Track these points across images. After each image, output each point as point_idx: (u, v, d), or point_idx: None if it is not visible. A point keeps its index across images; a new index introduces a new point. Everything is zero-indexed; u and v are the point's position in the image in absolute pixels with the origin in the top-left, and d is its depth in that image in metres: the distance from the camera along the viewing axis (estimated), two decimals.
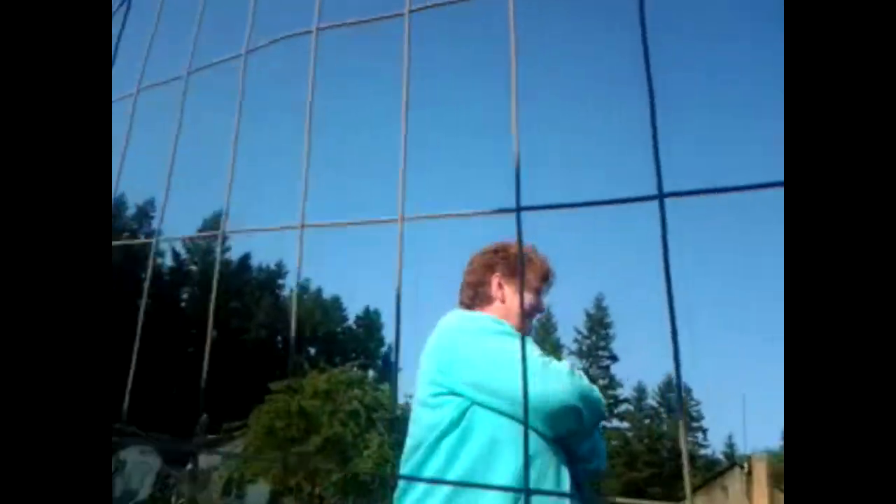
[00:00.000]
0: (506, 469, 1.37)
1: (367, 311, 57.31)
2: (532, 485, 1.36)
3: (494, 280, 1.73)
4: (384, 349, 54.31)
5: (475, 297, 1.74)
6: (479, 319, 1.63)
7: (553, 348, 49.24)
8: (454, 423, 1.44)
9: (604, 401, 1.57)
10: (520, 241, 0.47)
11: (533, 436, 1.41)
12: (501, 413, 1.42)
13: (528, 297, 1.73)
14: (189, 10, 0.73)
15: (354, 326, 56.55)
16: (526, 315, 1.71)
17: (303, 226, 0.51)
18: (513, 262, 1.72)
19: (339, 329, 55.13)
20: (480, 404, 1.44)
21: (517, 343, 1.48)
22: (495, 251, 1.78)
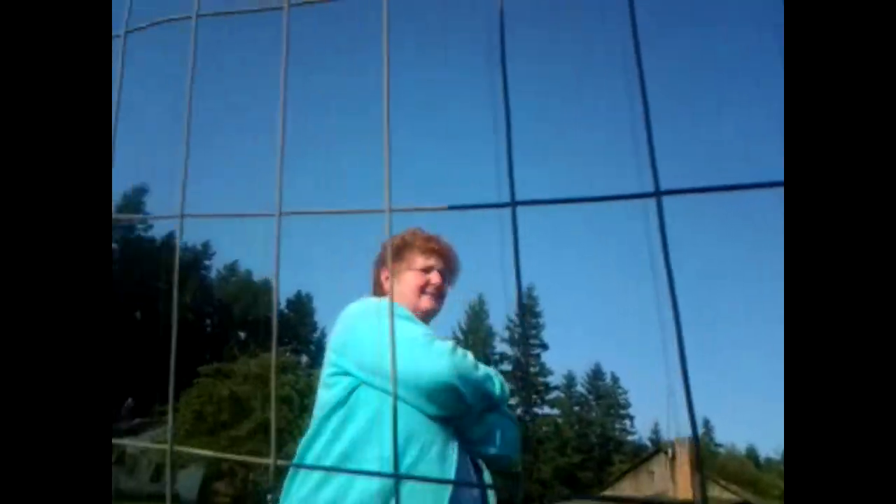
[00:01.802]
0: (382, 449, 1.39)
1: (298, 295, 56.57)
2: (411, 465, 1.37)
3: (382, 275, 1.84)
4: (316, 334, 53.84)
5: (375, 293, 1.87)
6: (375, 303, 1.64)
7: (485, 335, 50.02)
8: (341, 403, 1.49)
9: (496, 383, 1.54)
10: (515, 237, 0.43)
11: (414, 414, 1.42)
12: (384, 392, 1.45)
13: (413, 278, 1.75)
14: None
15: (286, 311, 55.69)
16: (416, 295, 1.73)
17: (280, 213, 0.47)
18: (394, 251, 1.79)
19: (269, 313, 54.12)
20: (367, 383, 1.47)
21: (405, 324, 1.53)
22: (383, 246, 1.83)
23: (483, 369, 1.51)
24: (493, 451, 1.51)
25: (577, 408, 49.57)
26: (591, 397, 52.87)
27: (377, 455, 1.38)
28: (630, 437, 53.28)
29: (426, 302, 1.74)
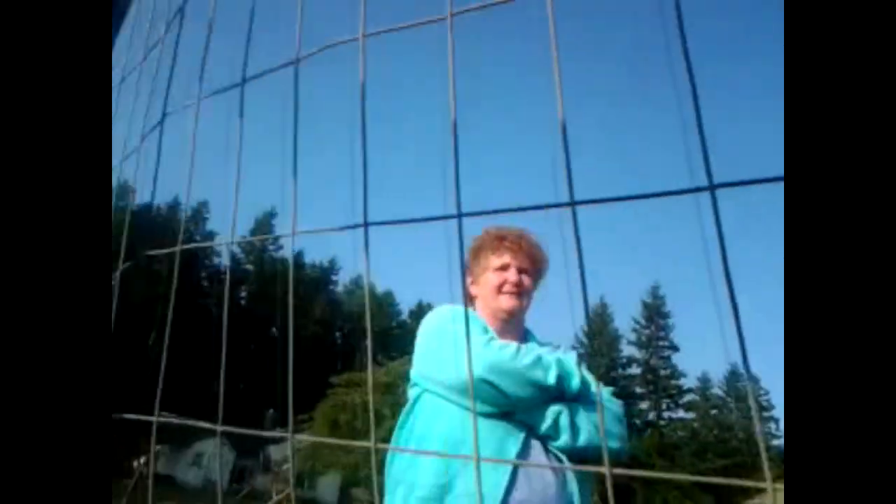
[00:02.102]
0: (435, 448, 1.42)
1: (419, 304, 57.78)
2: (461, 466, 1.37)
3: (468, 281, 1.79)
4: None
5: (466, 299, 1.82)
6: (440, 312, 1.66)
7: (610, 339, 48.54)
8: (409, 411, 1.55)
9: (550, 371, 1.44)
10: (577, 236, 0.45)
11: (467, 416, 1.41)
12: (440, 397, 1.48)
13: (490, 279, 1.70)
14: (238, 18, 0.75)
15: (409, 320, 57.06)
16: (495, 296, 1.68)
17: (366, 224, 0.52)
18: (471, 254, 1.76)
19: (393, 323, 55.80)
20: (429, 391, 1.52)
21: (449, 327, 1.55)
22: (468, 251, 1.79)
23: (530, 358, 1.44)
24: (562, 442, 1.42)
25: (714, 411, 46.83)
26: (729, 399, 49.80)
27: (430, 463, 1.41)
28: (776, 442, 49.61)
29: (506, 301, 1.68)
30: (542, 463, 1.40)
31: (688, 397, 47.54)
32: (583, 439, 1.42)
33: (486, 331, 1.52)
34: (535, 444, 1.43)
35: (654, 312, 48.62)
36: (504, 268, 1.70)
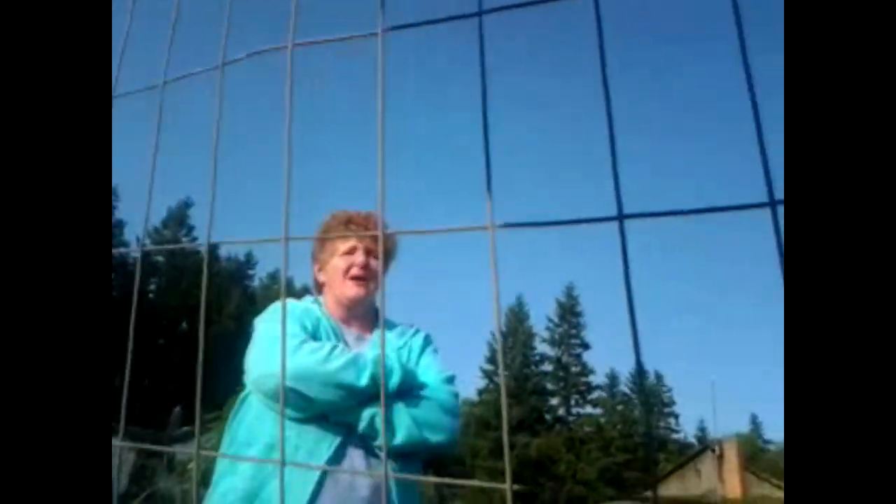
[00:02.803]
0: (256, 452, 1.42)
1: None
2: (273, 469, 1.37)
3: (315, 268, 1.77)
4: None
5: (316, 290, 1.80)
6: (269, 310, 1.63)
7: (525, 337, 49.65)
8: (234, 413, 1.55)
9: (361, 372, 1.39)
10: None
11: (275, 421, 1.43)
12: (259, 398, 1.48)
13: (337, 264, 1.67)
14: (163, 15, 0.73)
15: None
16: (341, 282, 1.65)
17: (286, 238, 0.52)
18: (319, 243, 1.72)
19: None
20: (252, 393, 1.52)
21: (270, 327, 1.52)
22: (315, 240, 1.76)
23: (342, 360, 1.40)
24: (380, 442, 1.38)
25: (620, 407, 48.76)
26: (634, 396, 52.02)
27: (244, 468, 1.40)
28: (675, 436, 52.28)
29: (351, 287, 1.64)
30: (357, 465, 1.38)
31: (596, 394, 49.28)
32: (400, 437, 1.39)
33: (301, 332, 1.48)
34: (353, 447, 1.41)
35: (568, 311, 50.07)
36: (351, 251, 1.66)
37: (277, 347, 1.44)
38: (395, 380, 1.43)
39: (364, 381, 1.38)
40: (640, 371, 0.47)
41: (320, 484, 1.34)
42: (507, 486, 0.43)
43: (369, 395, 1.40)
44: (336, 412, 1.40)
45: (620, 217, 0.44)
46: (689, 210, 0.44)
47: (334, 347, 1.44)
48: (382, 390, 0.50)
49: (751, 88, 0.45)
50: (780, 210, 0.44)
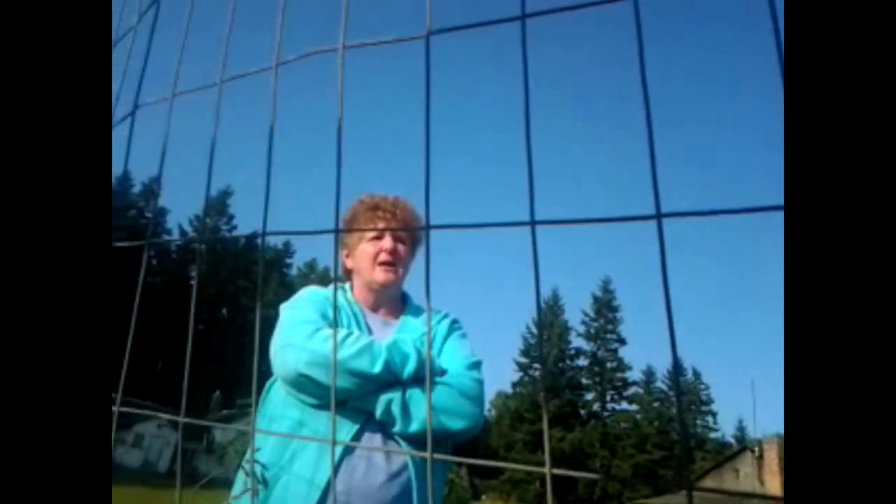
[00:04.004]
0: (284, 429, 1.43)
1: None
2: (293, 454, 1.38)
3: (343, 254, 1.76)
4: None
5: (345, 276, 1.79)
6: (295, 297, 1.63)
7: (560, 331, 49.36)
8: (265, 394, 1.55)
9: (375, 359, 1.39)
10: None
11: (297, 405, 1.43)
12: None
13: (365, 249, 1.66)
14: (219, 16, 0.77)
15: None
16: (370, 267, 1.64)
17: (337, 230, 0.54)
18: (345, 226, 1.71)
19: None
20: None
21: (291, 314, 1.51)
22: (341, 222, 1.74)
23: (355, 347, 1.40)
24: (398, 429, 1.39)
25: (656, 404, 48.17)
26: (671, 393, 51.30)
27: (273, 444, 1.41)
28: (713, 434, 51.41)
29: (380, 273, 1.63)
30: (375, 452, 1.40)
31: (632, 390, 48.77)
32: (417, 424, 1.38)
33: (319, 319, 1.48)
34: (371, 433, 1.41)
35: (604, 306, 49.60)
36: (379, 236, 1.65)
37: (295, 333, 1.44)
38: (410, 367, 1.42)
39: (378, 368, 1.38)
40: (675, 367, 0.47)
41: (336, 469, 1.34)
42: (546, 470, 0.44)
43: (386, 382, 1.40)
44: (353, 399, 1.40)
45: (659, 216, 0.44)
46: (724, 210, 0.44)
47: (349, 335, 1.44)
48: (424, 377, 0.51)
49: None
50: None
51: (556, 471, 0.44)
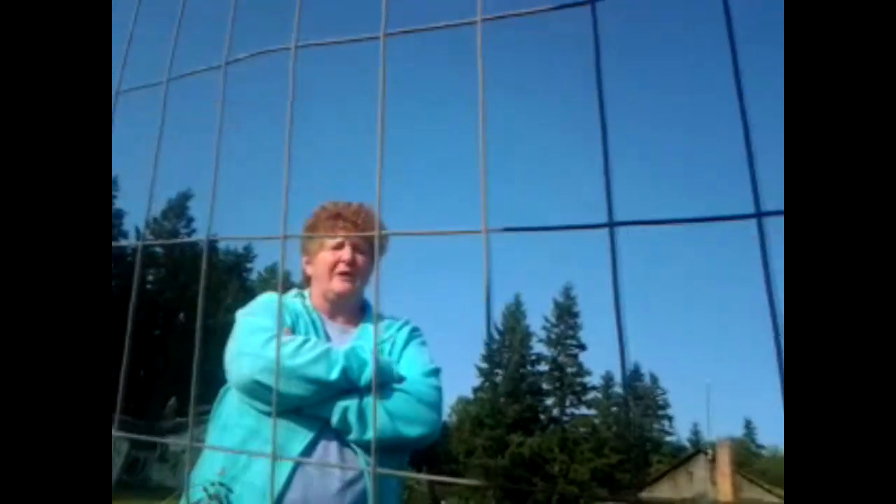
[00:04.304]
0: (230, 445, 1.43)
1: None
2: (245, 463, 1.38)
3: (303, 260, 1.76)
4: None
5: (303, 283, 1.79)
6: (251, 303, 1.62)
7: (522, 336, 49.72)
8: (218, 402, 1.55)
9: (332, 366, 1.39)
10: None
11: (252, 413, 1.42)
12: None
13: (325, 258, 1.66)
14: (169, 13, 0.74)
15: None
16: (328, 276, 1.64)
17: (284, 237, 0.53)
18: (305, 230, 1.71)
19: None
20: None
21: (247, 321, 1.51)
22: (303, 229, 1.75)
23: (312, 354, 1.39)
24: (354, 436, 1.38)
25: (614, 408, 48.85)
26: (629, 398, 52.13)
27: (220, 455, 1.41)
28: (669, 438, 52.41)
29: (337, 283, 1.63)
30: (331, 460, 1.38)
31: (591, 394, 49.35)
32: (372, 431, 1.38)
33: (275, 325, 1.47)
34: (327, 440, 1.41)
35: (565, 312, 50.13)
36: (339, 246, 1.65)
37: (251, 340, 1.43)
38: (368, 373, 1.41)
39: (335, 375, 1.38)
40: (624, 372, 0.48)
41: (290, 478, 1.34)
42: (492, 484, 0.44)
43: (342, 390, 1.40)
44: (309, 406, 1.39)
45: (611, 224, 0.45)
46: (677, 220, 0.45)
47: (305, 342, 1.43)
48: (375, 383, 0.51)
49: (741, 97, 0.45)
50: (769, 221, 0.44)
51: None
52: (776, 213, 0.42)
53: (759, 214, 0.42)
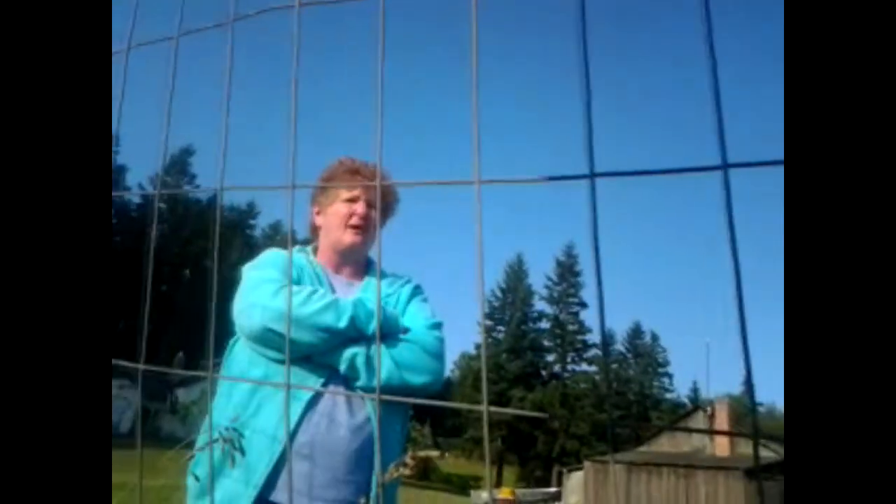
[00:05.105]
0: (245, 391, 1.47)
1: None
2: (257, 407, 1.42)
3: (314, 210, 1.77)
4: None
5: (311, 233, 1.81)
6: (259, 257, 1.65)
7: (524, 294, 49.97)
8: (228, 351, 1.58)
9: (341, 314, 1.42)
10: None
11: (262, 362, 1.47)
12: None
13: (338, 210, 1.68)
14: None
15: None
16: (341, 228, 1.66)
17: (294, 186, 0.55)
18: (321, 183, 1.74)
19: None
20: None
21: (255, 273, 1.54)
22: (317, 180, 1.77)
23: (321, 303, 1.43)
24: (361, 382, 1.43)
25: (615, 365, 49.42)
26: (629, 356, 52.67)
27: (238, 400, 1.45)
28: (669, 395, 53.11)
29: (349, 236, 1.65)
30: (339, 405, 1.43)
31: (592, 352, 49.85)
32: (381, 377, 1.42)
33: (283, 277, 1.50)
34: (336, 386, 1.45)
35: (567, 270, 50.26)
36: (353, 200, 1.67)
37: (259, 291, 1.46)
38: (375, 322, 1.43)
39: (343, 322, 1.41)
40: (603, 329, 0.51)
41: (299, 423, 1.39)
42: (483, 408, 0.47)
43: (350, 338, 1.43)
44: (318, 354, 1.43)
45: (592, 175, 0.46)
46: (656, 170, 0.46)
47: (314, 291, 1.46)
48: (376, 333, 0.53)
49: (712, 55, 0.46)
50: (732, 174, 0.44)
51: (492, 408, 0.47)
52: (742, 164, 0.42)
53: (726, 166, 0.42)
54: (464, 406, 0.45)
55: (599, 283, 0.49)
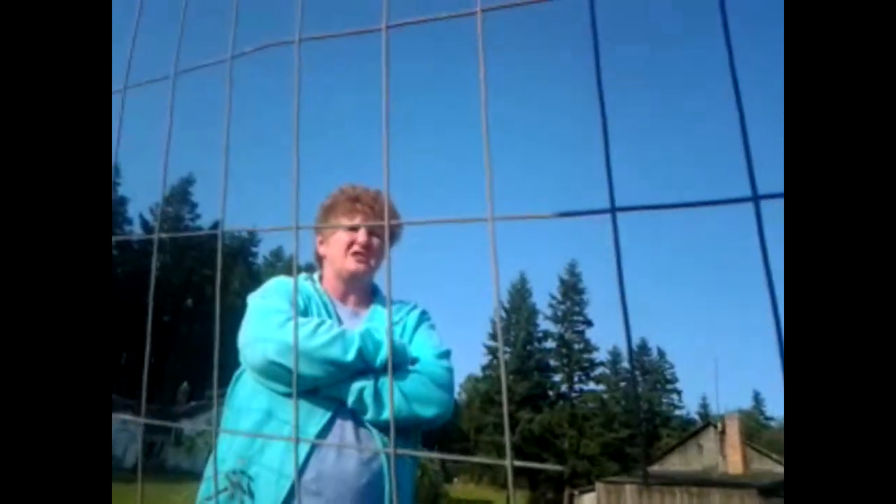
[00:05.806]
0: (246, 427, 1.44)
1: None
2: (263, 443, 1.40)
3: (317, 240, 1.79)
4: None
5: (315, 261, 1.82)
6: (264, 286, 1.63)
7: (528, 313, 49.85)
8: (233, 385, 1.56)
9: (348, 347, 1.41)
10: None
11: (266, 395, 1.44)
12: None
13: (340, 238, 1.68)
14: (173, 9, 0.75)
15: None
16: (342, 256, 1.66)
17: (297, 227, 0.54)
18: (322, 212, 1.73)
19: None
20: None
21: (260, 303, 1.53)
22: (319, 208, 1.77)
23: (328, 336, 1.41)
24: (370, 416, 1.41)
25: (623, 383, 49.09)
26: (637, 372, 52.35)
27: (238, 441, 1.42)
28: (678, 412, 52.71)
29: (352, 263, 1.65)
30: (347, 439, 1.40)
31: (599, 370, 49.58)
32: (388, 412, 1.35)
33: (290, 308, 1.49)
34: (344, 420, 1.43)
35: (570, 289, 50.18)
36: (355, 228, 1.67)
37: (265, 322, 1.44)
38: (383, 354, 1.43)
39: (351, 355, 1.40)
40: (630, 352, 0.49)
41: (307, 459, 1.36)
42: (507, 463, 0.45)
43: (358, 370, 1.42)
44: (325, 387, 1.41)
45: (613, 210, 0.45)
46: (677, 204, 0.45)
47: (321, 323, 1.44)
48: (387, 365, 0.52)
49: (735, 85, 0.46)
50: (766, 205, 0.43)
51: (517, 462, 0.45)
52: (774, 195, 0.42)
53: (757, 198, 0.41)
54: (487, 460, 0.43)
55: (626, 316, 0.47)
